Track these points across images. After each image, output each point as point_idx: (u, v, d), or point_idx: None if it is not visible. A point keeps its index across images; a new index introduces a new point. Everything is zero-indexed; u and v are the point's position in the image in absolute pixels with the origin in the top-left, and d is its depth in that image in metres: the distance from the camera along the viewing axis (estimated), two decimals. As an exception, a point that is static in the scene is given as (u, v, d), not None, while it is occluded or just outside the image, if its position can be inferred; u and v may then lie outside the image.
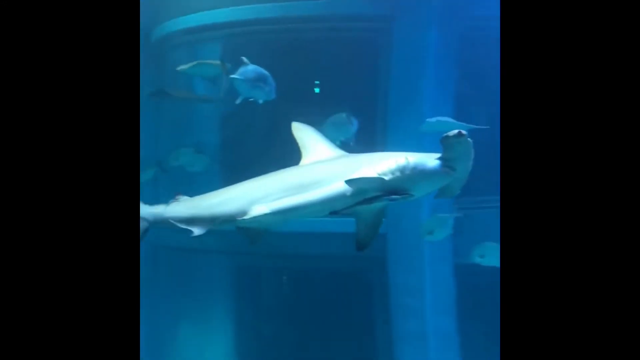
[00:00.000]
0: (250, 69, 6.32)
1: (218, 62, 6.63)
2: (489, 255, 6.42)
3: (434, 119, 6.31)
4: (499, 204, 5.88)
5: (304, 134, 4.61)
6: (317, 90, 8.17)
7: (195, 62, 7.16)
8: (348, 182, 4.00)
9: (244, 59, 6.33)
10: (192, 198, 4.57)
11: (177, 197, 4.58)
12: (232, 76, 6.28)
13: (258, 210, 4.28)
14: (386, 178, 3.99)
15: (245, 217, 4.30)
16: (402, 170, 4.01)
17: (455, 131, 3.85)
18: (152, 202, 4.63)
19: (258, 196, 4.32)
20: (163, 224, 4.48)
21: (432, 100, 7.03)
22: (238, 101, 6.40)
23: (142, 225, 4.43)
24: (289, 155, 6.46)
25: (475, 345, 7.26)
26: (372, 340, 7.76)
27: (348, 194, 4.08)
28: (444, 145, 3.93)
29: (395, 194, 3.99)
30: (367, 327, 7.76)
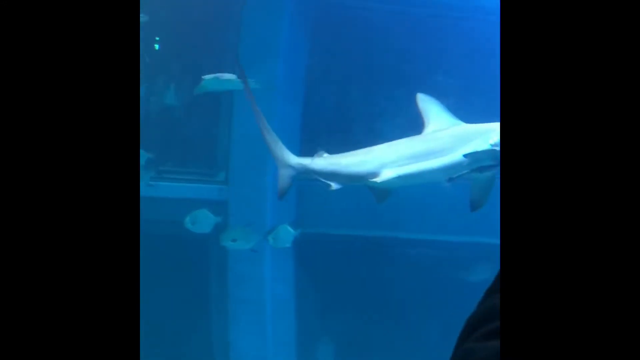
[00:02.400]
0: None
1: None
2: (200, 222, 6.62)
3: (211, 76, 6.07)
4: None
5: (426, 104, 5.04)
6: (156, 47, 7.87)
7: None
8: (466, 155, 4.52)
9: None
10: (332, 155, 5.09)
11: (319, 153, 5.07)
12: None
13: (387, 174, 4.80)
14: (498, 148, 4.44)
15: (375, 179, 4.82)
16: None
17: None
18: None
19: (388, 161, 4.85)
20: (306, 175, 5.07)
21: (284, 67, 6.98)
22: None
23: (290, 173, 5.06)
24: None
25: (311, 311, 7.43)
26: (207, 306, 7.69)
27: (465, 163, 4.61)
28: None
29: None
30: (203, 293, 7.67)
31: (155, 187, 7.05)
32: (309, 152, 5.28)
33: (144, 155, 6.44)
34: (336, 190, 6.28)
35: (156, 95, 7.88)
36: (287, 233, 6.39)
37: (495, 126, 4.69)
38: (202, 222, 6.59)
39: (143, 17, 6.11)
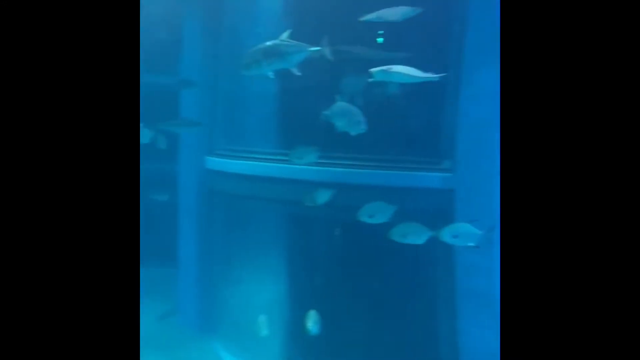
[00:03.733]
0: None
1: None
2: (377, 214, 6.43)
3: (379, 69, 5.89)
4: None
5: None
6: (380, 40, 7.91)
7: None
8: None
9: None
10: None
11: None
12: None
13: None
14: None
15: None
16: None
17: None
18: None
19: None
20: None
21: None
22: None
23: None
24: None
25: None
26: (434, 298, 7.61)
27: None
28: None
29: None
30: (430, 284, 7.61)
31: (374, 175, 7.13)
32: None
33: (311, 151, 6.64)
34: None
35: (379, 86, 7.97)
36: (470, 232, 6.10)
37: None
38: (379, 213, 6.55)
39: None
